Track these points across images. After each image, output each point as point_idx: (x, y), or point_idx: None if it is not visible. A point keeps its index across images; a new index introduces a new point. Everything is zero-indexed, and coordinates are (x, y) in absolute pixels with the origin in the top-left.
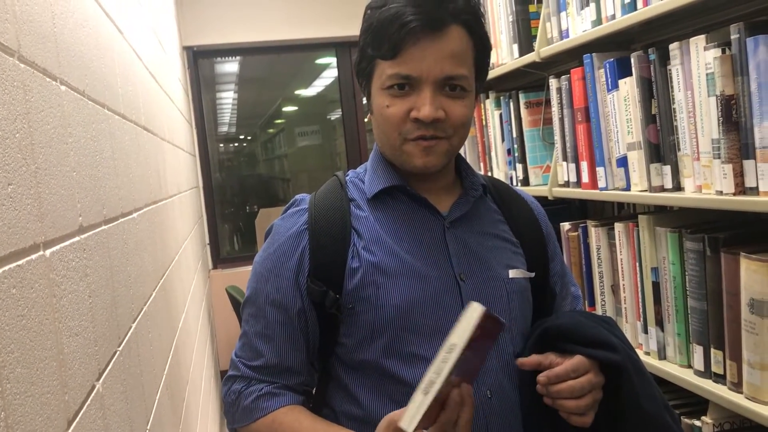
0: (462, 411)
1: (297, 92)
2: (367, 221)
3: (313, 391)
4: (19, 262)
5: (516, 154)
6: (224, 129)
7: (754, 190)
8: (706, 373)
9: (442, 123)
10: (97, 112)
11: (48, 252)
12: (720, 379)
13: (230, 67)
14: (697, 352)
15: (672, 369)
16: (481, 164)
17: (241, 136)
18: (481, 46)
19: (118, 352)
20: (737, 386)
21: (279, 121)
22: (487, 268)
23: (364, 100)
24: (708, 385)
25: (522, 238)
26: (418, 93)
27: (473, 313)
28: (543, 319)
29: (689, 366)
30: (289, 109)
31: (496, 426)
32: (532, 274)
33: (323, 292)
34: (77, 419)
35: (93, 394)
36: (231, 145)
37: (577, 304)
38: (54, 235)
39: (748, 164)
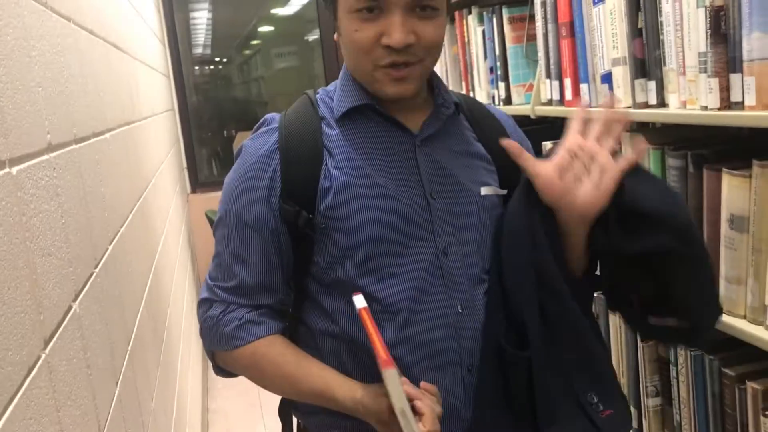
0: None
1: (273, 11)
2: (338, 140)
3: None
4: None
5: (498, 72)
6: (199, 50)
7: (740, 105)
8: None
9: (413, 47)
10: (63, 26)
11: (14, 170)
12: None
13: None
14: None
15: None
16: (464, 83)
17: (217, 58)
18: None
19: (95, 274)
20: None
21: (255, 42)
22: (458, 185)
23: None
24: None
25: (494, 156)
26: (388, 17)
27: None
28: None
29: None
30: (265, 29)
31: (468, 340)
32: (504, 192)
33: (296, 212)
34: (54, 339)
35: (70, 315)
36: (207, 67)
37: None
38: (20, 152)
39: (734, 78)
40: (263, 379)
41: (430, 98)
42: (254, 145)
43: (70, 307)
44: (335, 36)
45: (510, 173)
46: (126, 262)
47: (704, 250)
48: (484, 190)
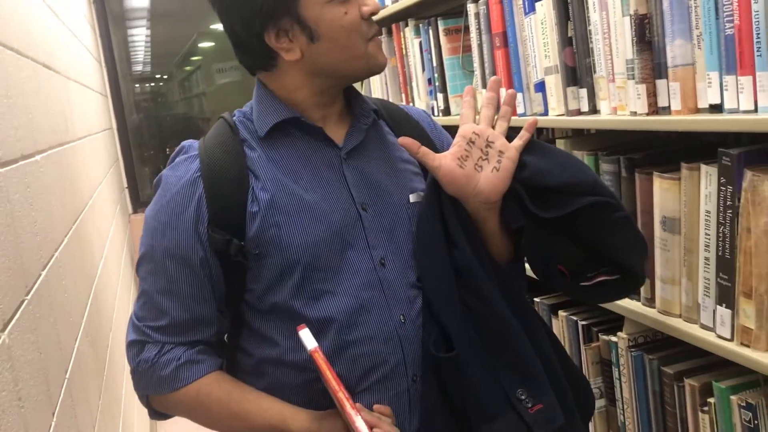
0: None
1: (213, 27)
2: (262, 161)
3: (226, 338)
4: None
5: (436, 84)
6: (138, 68)
7: (666, 110)
8: None
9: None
10: None
11: None
12: (634, 295)
13: (140, 1)
14: None
15: None
16: (403, 95)
17: (157, 75)
18: None
19: (26, 301)
20: (650, 301)
21: (195, 57)
22: (387, 195)
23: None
24: (623, 302)
25: None
26: None
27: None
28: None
29: None
30: (205, 45)
31: (411, 351)
32: None
33: (226, 241)
34: None
35: None
36: (147, 84)
37: None
38: None
39: (660, 84)
40: (209, 419)
41: (348, 108)
42: (175, 174)
43: None
44: (295, 55)
45: None
46: (62, 287)
47: (616, 197)
48: (413, 197)
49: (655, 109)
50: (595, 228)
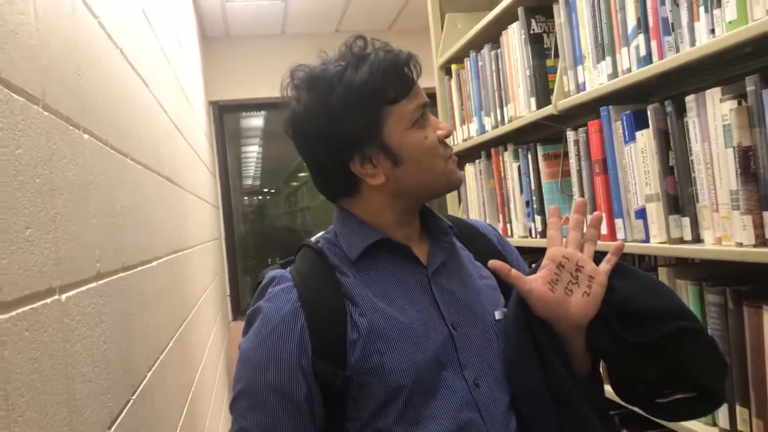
0: None
1: None
2: (356, 287)
3: None
4: (34, 305)
5: (534, 206)
6: (248, 182)
7: None
8: (732, 431)
9: None
10: (120, 161)
11: (64, 296)
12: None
13: (255, 121)
14: (722, 409)
15: (696, 427)
16: (500, 216)
17: (265, 189)
18: None
19: (131, 401)
20: None
21: (302, 174)
22: (473, 313)
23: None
24: None
25: (493, 271)
26: (426, 116)
27: None
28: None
29: (714, 424)
30: None
31: None
32: None
33: (332, 373)
34: None
35: None
36: (255, 198)
37: None
38: (71, 279)
39: (767, 215)
40: None
41: (423, 226)
42: (274, 305)
43: None
44: (379, 180)
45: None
46: (163, 390)
47: (700, 322)
48: (498, 314)
49: (762, 240)
50: (678, 351)
